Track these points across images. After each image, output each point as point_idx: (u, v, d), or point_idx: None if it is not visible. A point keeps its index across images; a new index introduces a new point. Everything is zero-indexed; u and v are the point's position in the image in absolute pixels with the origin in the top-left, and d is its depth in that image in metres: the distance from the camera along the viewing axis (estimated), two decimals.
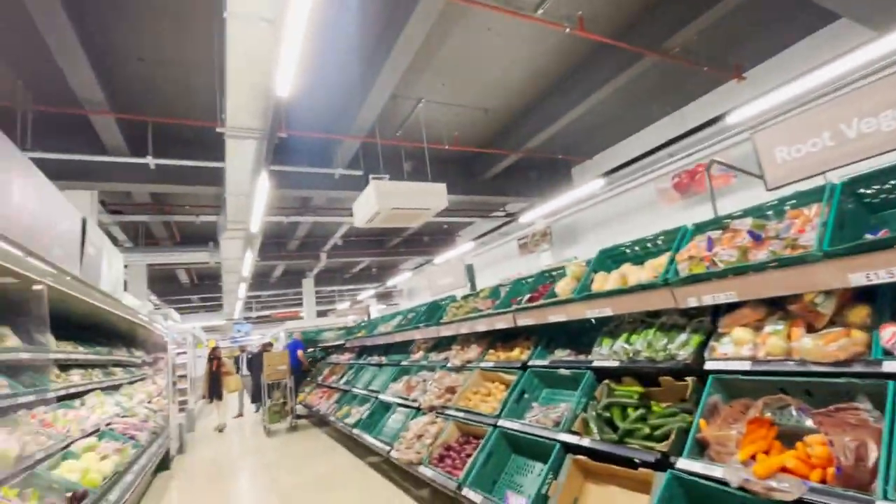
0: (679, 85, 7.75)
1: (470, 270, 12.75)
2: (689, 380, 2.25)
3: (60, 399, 3.94)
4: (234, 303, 16.57)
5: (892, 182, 1.93)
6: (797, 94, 4.49)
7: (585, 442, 2.48)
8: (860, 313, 1.77)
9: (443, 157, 9.52)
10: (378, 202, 5.86)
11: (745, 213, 2.28)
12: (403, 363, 5.63)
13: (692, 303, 2.20)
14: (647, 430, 2.25)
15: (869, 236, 1.72)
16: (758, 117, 5.03)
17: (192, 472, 6.11)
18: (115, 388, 5.75)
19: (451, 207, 7.97)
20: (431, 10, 4.76)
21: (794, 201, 2.17)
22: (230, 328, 22.30)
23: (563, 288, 3.11)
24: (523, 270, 10.95)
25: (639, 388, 2.53)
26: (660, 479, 2.02)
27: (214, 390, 9.51)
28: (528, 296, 3.62)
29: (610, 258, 3.14)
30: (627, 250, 3.04)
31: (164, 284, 17.93)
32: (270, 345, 11.82)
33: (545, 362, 3.25)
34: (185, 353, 9.69)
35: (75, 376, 4.52)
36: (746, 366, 1.95)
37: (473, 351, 4.21)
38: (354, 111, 6.82)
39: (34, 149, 5.79)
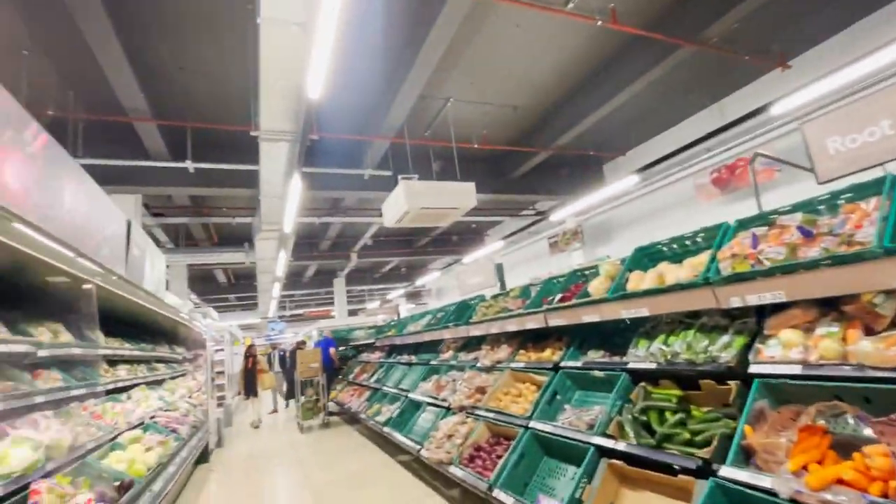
0: (717, 76, 7.44)
1: (499, 270, 12.69)
2: (733, 384, 2.14)
3: (108, 392, 4.15)
4: (269, 302, 17.05)
5: None
6: (849, 81, 4.21)
7: (621, 446, 2.41)
8: None
9: (471, 156, 9.48)
10: (407, 202, 5.89)
11: (795, 208, 2.15)
12: (433, 362, 5.63)
13: (735, 303, 2.10)
14: (686, 436, 2.16)
15: None
16: (805, 107, 4.76)
17: (230, 465, 6.32)
18: (159, 382, 6.02)
19: (480, 206, 7.92)
20: (459, 9, 4.74)
21: (849, 195, 2.03)
22: (265, 326, 22.96)
23: (596, 287, 3.03)
24: (554, 270, 10.79)
25: (677, 392, 2.43)
26: (701, 487, 1.93)
27: (250, 387, 9.80)
28: (559, 295, 3.54)
29: (646, 256, 3.03)
30: (664, 248, 2.93)
31: (203, 284, 18.65)
32: (304, 343, 12.11)
33: (578, 363, 3.18)
34: (222, 350, 10.05)
35: (122, 371, 4.76)
36: (796, 370, 1.84)
37: (503, 351, 4.17)
38: (383, 112, 6.88)
39: (84, 155, 6.13)
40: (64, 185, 2.56)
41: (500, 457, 3.22)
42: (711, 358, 2.21)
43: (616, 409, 2.61)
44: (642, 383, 2.61)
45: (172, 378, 6.75)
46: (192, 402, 6.43)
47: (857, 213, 1.85)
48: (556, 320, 3.32)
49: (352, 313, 22.00)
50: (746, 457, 1.87)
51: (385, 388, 6.59)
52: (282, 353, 14.67)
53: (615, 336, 3.21)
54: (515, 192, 10.41)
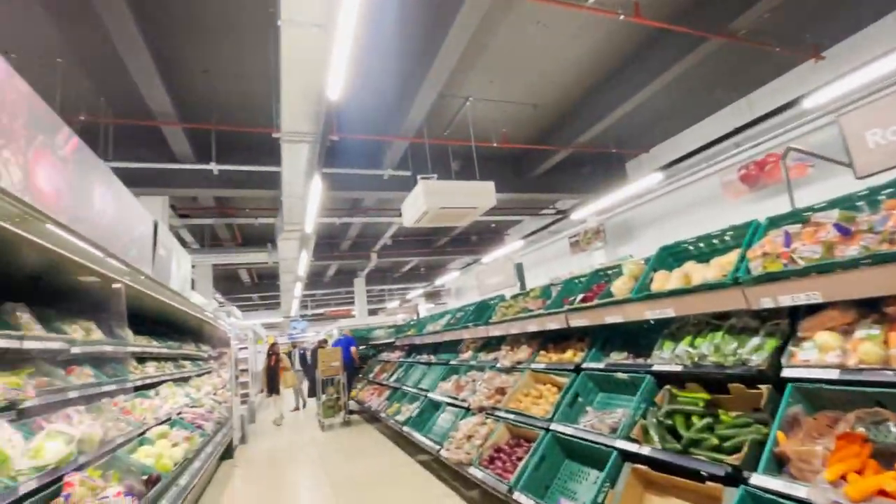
0: (745, 69, 7.20)
1: (519, 269, 12.58)
2: (764, 388, 2.05)
3: (137, 389, 4.27)
4: (291, 301, 17.33)
5: None
6: (888, 71, 4.01)
7: (645, 450, 2.34)
8: None
9: (491, 155, 9.43)
10: (426, 202, 5.89)
11: (831, 205, 2.05)
12: (452, 362, 5.62)
13: (767, 304, 2.01)
14: (714, 441, 2.09)
15: None
16: (840, 100, 4.56)
17: (254, 461, 6.44)
18: (185, 379, 6.17)
19: (500, 206, 7.85)
20: (479, 7, 4.71)
21: (891, 190, 1.92)
22: (287, 325, 23.36)
23: (619, 287, 2.96)
24: (575, 269, 10.65)
25: (705, 395, 2.35)
26: (730, 494, 1.86)
27: (272, 385, 9.97)
28: (581, 296, 3.48)
29: (671, 256, 2.95)
30: (691, 247, 2.84)
31: (228, 284, 19.10)
32: (325, 342, 12.26)
33: (600, 365, 3.11)
34: (246, 348, 10.25)
35: (150, 368, 4.90)
36: (834, 374, 1.75)
37: (524, 352, 4.12)
38: (402, 112, 6.90)
39: (114, 159, 6.34)
40: (94, 188, 2.65)
41: (520, 459, 3.19)
42: (741, 361, 2.13)
43: (640, 412, 2.55)
44: (667, 386, 2.53)
45: (198, 375, 6.92)
46: (217, 399, 6.57)
47: None
48: (578, 321, 3.26)
49: (372, 313, 22.21)
50: (779, 465, 1.79)
51: (405, 387, 6.61)
52: (302, 351, 14.88)
53: (638, 337, 3.13)
54: (535, 190, 10.31)
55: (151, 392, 4.69)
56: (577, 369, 3.31)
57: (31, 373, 2.70)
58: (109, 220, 2.87)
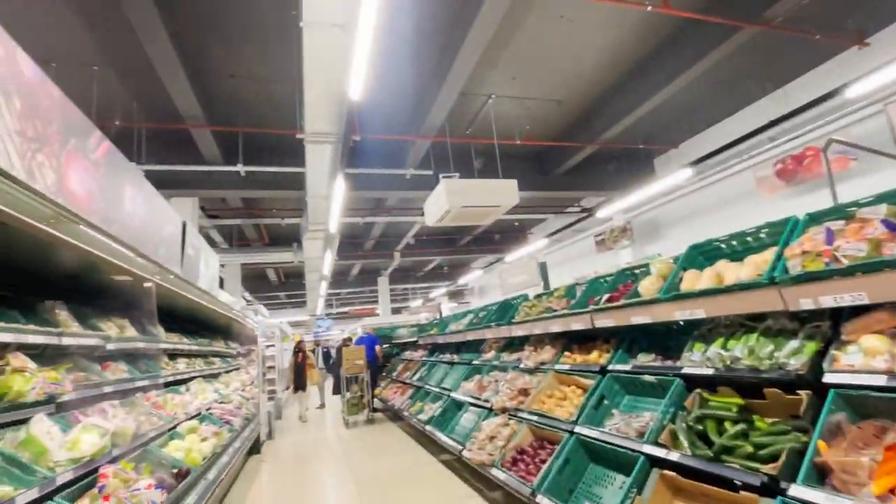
0: (781, 59, 6.88)
1: (543, 268, 12.44)
2: (804, 394, 1.94)
3: (168, 385, 4.40)
4: (317, 300, 17.62)
5: None
6: None
7: (674, 456, 2.26)
8: None
9: (514, 153, 9.33)
10: (448, 201, 5.86)
11: (878, 199, 1.92)
12: (475, 362, 5.58)
13: (806, 305, 1.90)
14: (749, 448, 1.99)
15: None
16: (886, 87, 4.30)
17: (281, 456, 6.57)
18: (215, 376, 6.34)
19: (523, 204, 7.75)
20: (500, 3, 4.65)
21: None
22: (313, 323, 23.78)
23: (647, 287, 2.86)
24: (600, 269, 10.45)
25: (738, 400, 2.25)
26: None
27: (299, 382, 10.15)
28: (606, 295, 3.39)
29: (702, 255, 2.83)
30: (723, 245, 2.72)
31: (256, 282, 19.58)
32: (349, 340, 12.41)
33: (627, 367, 3.02)
34: (273, 346, 10.47)
35: (181, 364, 5.05)
36: (881, 381, 1.63)
37: (547, 352, 4.05)
38: (424, 111, 6.89)
39: (147, 162, 6.56)
40: (124, 189, 2.73)
41: (543, 461, 3.13)
42: (778, 365, 2.02)
43: (669, 416, 2.46)
44: (698, 390, 2.43)
45: (227, 372, 7.10)
46: (245, 395, 6.73)
47: None
48: (603, 321, 3.18)
49: (395, 311, 22.38)
50: (820, 476, 1.69)
51: (427, 386, 6.61)
52: (325, 349, 15.07)
53: (667, 339, 3.03)
54: (560, 188, 10.15)
55: (182, 388, 4.82)
56: (603, 371, 3.23)
57: (69, 368, 2.81)
58: (139, 221, 2.96)
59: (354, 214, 11.05)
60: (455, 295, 23.42)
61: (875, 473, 1.50)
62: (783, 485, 1.73)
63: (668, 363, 2.75)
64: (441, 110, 6.65)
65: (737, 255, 2.59)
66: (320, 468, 5.86)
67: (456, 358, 6.43)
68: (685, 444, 2.21)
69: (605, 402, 3.08)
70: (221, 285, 8.74)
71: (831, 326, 1.99)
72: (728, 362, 2.25)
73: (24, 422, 2.21)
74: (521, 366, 4.26)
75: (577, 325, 3.46)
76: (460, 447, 4.23)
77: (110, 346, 3.18)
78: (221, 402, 5.53)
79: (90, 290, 3.27)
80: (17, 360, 2.39)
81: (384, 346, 10.88)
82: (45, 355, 2.69)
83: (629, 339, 3.27)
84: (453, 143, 7.86)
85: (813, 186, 6.87)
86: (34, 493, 1.92)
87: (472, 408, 4.83)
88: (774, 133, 6.66)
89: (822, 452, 1.69)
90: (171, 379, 4.41)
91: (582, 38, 6.20)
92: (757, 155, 7.54)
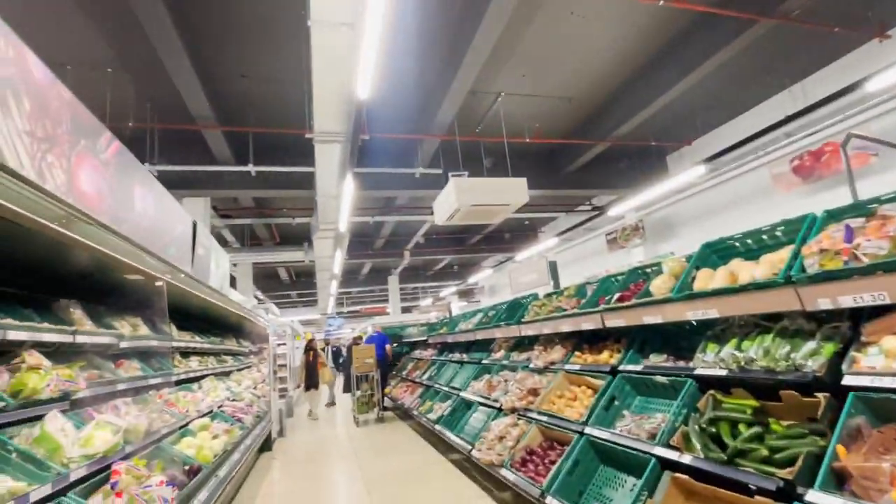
0: (798, 53, 6.72)
1: (553, 267, 12.34)
2: (822, 396, 1.89)
3: (180, 382, 4.45)
4: (327, 298, 17.73)
5: None
6: None
7: (686, 459, 2.21)
8: None
9: (524, 151, 9.27)
10: (457, 199, 5.85)
11: None
12: (484, 361, 5.56)
13: (824, 305, 1.84)
14: (764, 452, 1.94)
15: None
16: None
17: (291, 454, 6.61)
18: (226, 374, 6.40)
19: (533, 202, 7.71)
20: (509, 0, 4.61)
21: None
22: (324, 322, 23.94)
23: (658, 286, 2.81)
24: (611, 267, 10.33)
25: (753, 402, 2.19)
26: None
27: (311, 380, 10.21)
28: (617, 295, 3.34)
29: (715, 253, 2.78)
30: (737, 244, 2.66)
31: (268, 281, 19.77)
32: (360, 338, 12.46)
33: (638, 367, 2.98)
34: (284, 344, 10.56)
35: (194, 362, 5.10)
36: None
37: (557, 352, 4.01)
38: (433, 110, 6.87)
39: (160, 162, 6.65)
40: (134, 189, 2.76)
41: (553, 462, 3.10)
42: (794, 366, 1.96)
43: (681, 418, 2.41)
44: (711, 391, 2.38)
45: (239, 370, 7.16)
46: (257, 393, 6.78)
47: None
48: (614, 321, 3.13)
49: (405, 310, 22.43)
50: (839, 481, 1.63)
51: (437, 385, 6.60)
52: (335, 348, 15.14)
53: (679, 339, 2.98)
54: (570, 186, 10.06)
55: (194, 385, 4.87)
56: (614, 371, 3.18)
57: (82, 366, 2.85)
58: (150, 221, 2.99)
59: (364, 213, 11.08)
60: (465, 294, 23.39)
61: None
62: (800, 490, 1.69)
63: (681, 364, 2.70)
64: (450, 108, 6.63)
65: (752, 254, 2.53)
66: (331, 466, 5.89)
67: (465, 357, 6.41)
68: (698, 446, 2.17)
69: (616, 402, 3.04)
70: (234, 284, 8.84)
71: (851, 327, 1.93)
72: (742, 363, 2.20)
73: (38, 418, 2.24)
74: (531, 365, 4.23)
75: (588, 324, 3.42)
76: (469, 447, 4.21)
77: (123, 344, 3.21)
78: (233, 400, 5.58)
79: (103, 288, 3.31)
80: (33, 357, 2.43)
81: (394, 344, 10.90)
82: (59, 353, 2.73)
83: (640, 340, 3.22)
84: (462, 141, 7.83)
85: (831, 183, 6.70)
86: (48, 489, 1.94)
87: (481, 407, 4.80)
88: (791, 129, 6.52)
89: (841, 457, 1.63)
90: (183, 377, 4.46)
91: (593, 34, 6.13)
92: (773, 151, 7.39)
